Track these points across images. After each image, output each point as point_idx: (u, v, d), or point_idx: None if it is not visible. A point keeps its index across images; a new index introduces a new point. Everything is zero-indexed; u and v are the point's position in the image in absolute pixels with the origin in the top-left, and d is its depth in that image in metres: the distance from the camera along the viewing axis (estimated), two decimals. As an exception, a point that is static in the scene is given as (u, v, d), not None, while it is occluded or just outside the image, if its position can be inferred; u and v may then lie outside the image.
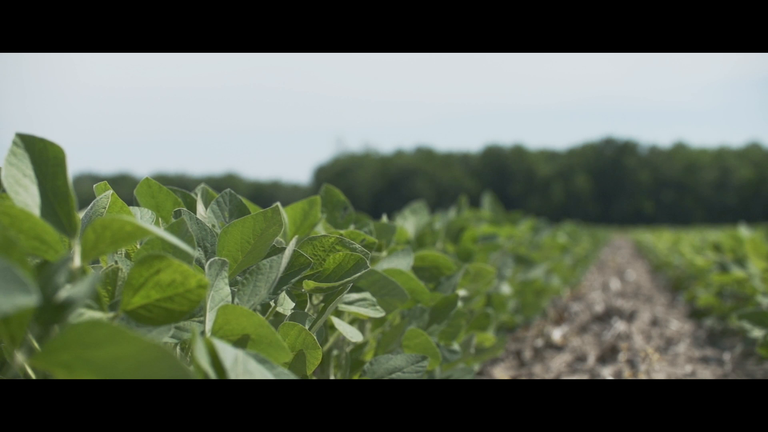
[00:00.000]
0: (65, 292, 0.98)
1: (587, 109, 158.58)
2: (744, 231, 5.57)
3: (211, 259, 1.37)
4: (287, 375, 1.24)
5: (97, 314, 1.21)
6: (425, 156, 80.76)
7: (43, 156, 1.20)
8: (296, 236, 1.56)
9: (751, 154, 78.86)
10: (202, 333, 1.36)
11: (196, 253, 1.46)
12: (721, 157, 79.00)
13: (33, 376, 1.16)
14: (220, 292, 1.39)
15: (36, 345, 1.11)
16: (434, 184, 75.35)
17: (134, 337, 0.89)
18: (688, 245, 10.31)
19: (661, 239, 16.84)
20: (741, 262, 4.92)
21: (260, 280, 1.43)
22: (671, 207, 76.15)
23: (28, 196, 1.18)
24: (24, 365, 1.04)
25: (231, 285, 1.49)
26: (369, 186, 74.73)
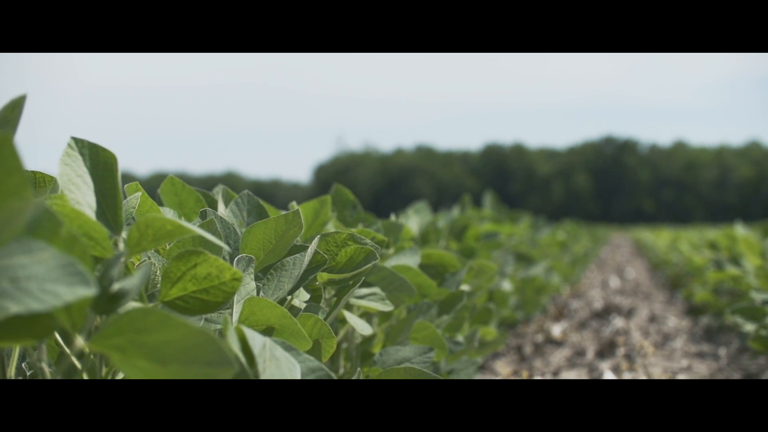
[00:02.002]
0: (118, 284, 1.10)
1: (587, 108, 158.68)
2: (740, 229, 5.69)
3: (239, 256, 1.48)
4: (311, 361, 1.36)
5: (137, 305, 1.32)
6: (425, 154, 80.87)
7: (94, 159, 1.32)
8: (318, 237, 1.68)
9: (751, 152, 78.94)
10: (230, 323, 1.47)
11: (229, 249, 1.57)
12: (721, 155, 79.10)
13: (78, 367, 1.27)
14: (246, 287, 1.50)
15: (78, 336, 1.23)
16: (434, 183, 75.46)
17: (182, 323, 1.01)
18: (686, 243, 10.42)
19: (660, 238, 16.96)
20: (736, 259, 5.04)
21: (284, 276, 1.55)
22: (671, 206, 76.25)
23: (80, 194, 1.30)
24: (79, 350, 1.16)
25: (254, 280, 1.61)
26: (369, 184, 74.80)
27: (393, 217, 2.82)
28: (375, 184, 75.57)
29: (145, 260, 1.56)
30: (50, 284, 0.97)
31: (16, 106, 1.30)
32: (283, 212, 1.75)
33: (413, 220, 3.47)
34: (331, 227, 2.43)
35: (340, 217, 2.58)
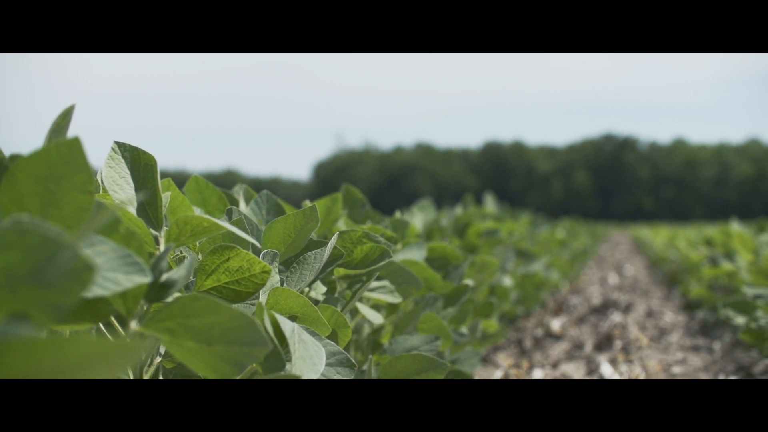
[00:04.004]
0: (166, 275, 1.24)
1: (587, 106, 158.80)
2: (735, 226, 5.83)
3: (264, 251, 1.62)
4: (332, 345, 1.50)
5: (176, 294, 1.46)
6: (425, 152, 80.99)
7: (135, 162, 1.46)
8: (337, 233, 1.82)
9: (751, 150, 79.06)
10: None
11: (257, 244, 1.71)
12: (721, 153, 79.24)
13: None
14: (271, 279, 1.64)
15: (117, 325, 1.37)
16: (434, 181, 75.59)
17: (227, 308, 1.15)
18: (684, 241, 10.56)
19: (659, 235, 17.10)
20: (731, 255, 5.18)
21: (306, 269, 1.69)
22: (671, 203, 76.39)
23: (123, 194, 1.44)
24: (131, 332, 1.30)
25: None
26: (369, 182, 74.88)
27: (398, 214, 2.96)
28: (375, 182, 75.66)
29: (178, 255, 1.70)
30: (110, 273, 1.11)
31: (67, 114, 1.44)
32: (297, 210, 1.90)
33: (418, 218, 3.61)
34: (341, 224, 2.57)
35: (350, 214, 2.72)
